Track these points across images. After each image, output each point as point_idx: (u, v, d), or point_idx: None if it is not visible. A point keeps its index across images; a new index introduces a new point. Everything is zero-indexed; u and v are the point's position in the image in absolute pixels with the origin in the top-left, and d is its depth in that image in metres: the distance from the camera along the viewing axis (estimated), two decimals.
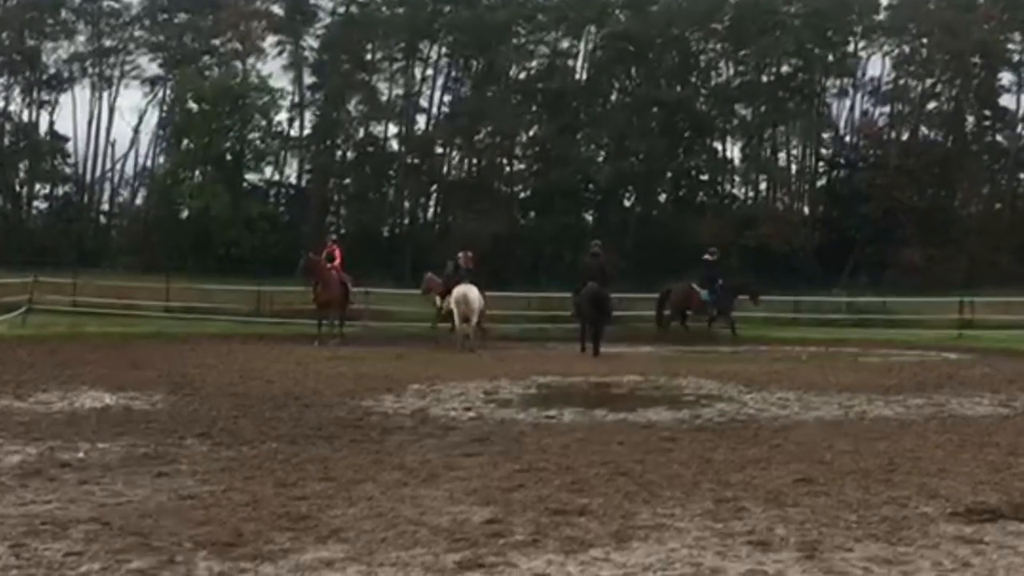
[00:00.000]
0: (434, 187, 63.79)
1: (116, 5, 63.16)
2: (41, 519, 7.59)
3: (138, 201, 64.19)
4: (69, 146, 63.03)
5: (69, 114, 63.42)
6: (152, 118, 63.22)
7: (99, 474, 9.38)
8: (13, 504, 8.12)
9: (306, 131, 63.43)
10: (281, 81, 62.38)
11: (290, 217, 61.50)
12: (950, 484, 9.18)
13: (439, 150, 63.43)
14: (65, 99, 63.26)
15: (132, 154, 63.98)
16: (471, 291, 27.49)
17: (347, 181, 63.09)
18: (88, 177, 63.56)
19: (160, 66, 63.30)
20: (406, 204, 63.30)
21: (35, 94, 62.61)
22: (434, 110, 63.79)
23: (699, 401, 15.63)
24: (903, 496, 8.66)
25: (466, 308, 27.22)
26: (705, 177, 62.46)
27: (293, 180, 64.19)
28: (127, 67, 63.54)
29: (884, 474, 9.67)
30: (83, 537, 7.10)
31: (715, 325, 33.41)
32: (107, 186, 64.93)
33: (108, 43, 63.26)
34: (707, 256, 34.27)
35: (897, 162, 57.67)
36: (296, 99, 63.17)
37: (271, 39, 63.24)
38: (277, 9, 63.47)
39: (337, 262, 29.02)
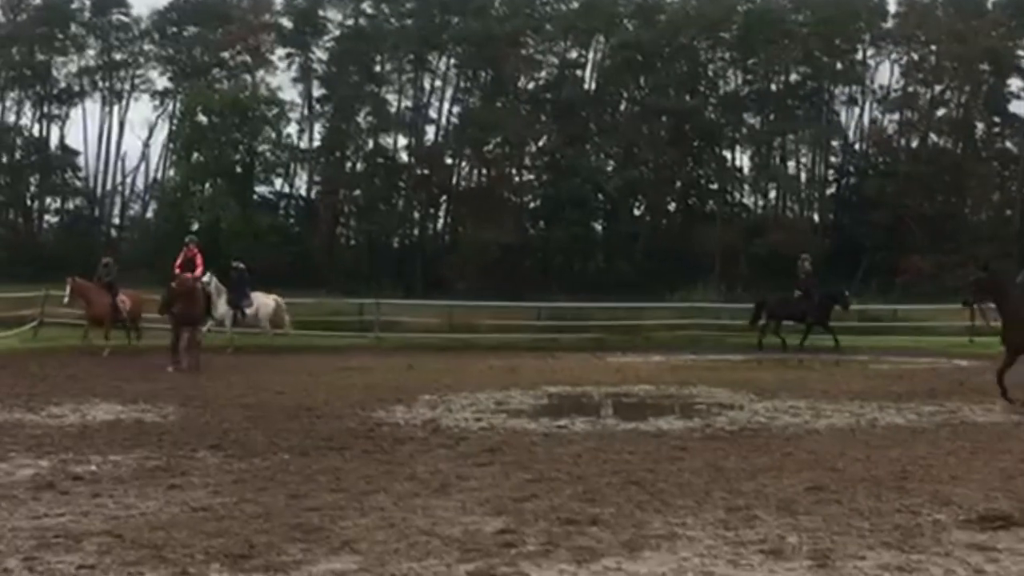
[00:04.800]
0: (444, 198, 63.87)
1: (125, 19, 63.53)
2: (54, 532, 7.60)
3: (148, 214, 64.32)
4: (80, 160, 63.41)
5: (79, 128, 63.74)
6: (162, 131, 63.50)
7: (111, 487, 9.39)
8: (26, 517, 8.14)
9: (315, 143, 63.67)
10: (290, 93, 62.73)
11: (300, 229, 61.61)
12: (962, 491, 9.16)
13: (448, 161, 63.49)
14: (75, 113, 63.73)
15: (142, 167, 64.26)
16: (280, 300, 29.98)
17: (357, 192, 63.17)
18: (99, 190, 63.86)
19: (170, 79, 63.59)
20: (416, 215, 63.38)
21: (45, 108, 62.95)
22: (443, 121, 63.97)
23: (710, 410, 15.61)
24: (915, 504, 8.65)
25: (277, 316, 29.77)
26: (714, 186, 62.43)
27: (303, 192, 64.38)
28: (137, 80, 63.93)
29: (896, 482, 9.66)
30: (96, 550, 7.11)
31: None
32: (117, 199, 65.18)
33: (118, 57, 63.58)
34: None
35: (907, 169, 57.61)
36: (305, 111, 63.44)
37: (280, 52, 63.49)
38: (286, 22, 63.67)
39: (199, 271, 25.25)
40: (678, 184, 61.60)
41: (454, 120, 63.65)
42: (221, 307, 28.35)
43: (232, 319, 28.68)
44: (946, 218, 56.18)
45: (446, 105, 63.93)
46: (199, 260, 25.15)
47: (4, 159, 62.43)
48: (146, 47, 63.93)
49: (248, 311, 28.88)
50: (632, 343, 32.41)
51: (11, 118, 62.75)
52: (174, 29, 63.86)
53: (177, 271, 24.69)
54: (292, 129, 62.41)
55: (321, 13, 63.46)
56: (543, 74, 63.93)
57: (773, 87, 61.83)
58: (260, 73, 63.28)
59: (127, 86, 63.88)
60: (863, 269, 54.18)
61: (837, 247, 55.91)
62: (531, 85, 63.86)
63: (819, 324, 30.81)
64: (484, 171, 63.86)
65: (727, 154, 62.61)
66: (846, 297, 32.21)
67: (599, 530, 7.73)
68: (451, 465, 10.59)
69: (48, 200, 64.23)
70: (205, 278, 27.11)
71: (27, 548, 7.14)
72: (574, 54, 63.97)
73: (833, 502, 8.73)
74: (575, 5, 63.02)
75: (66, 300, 26.57)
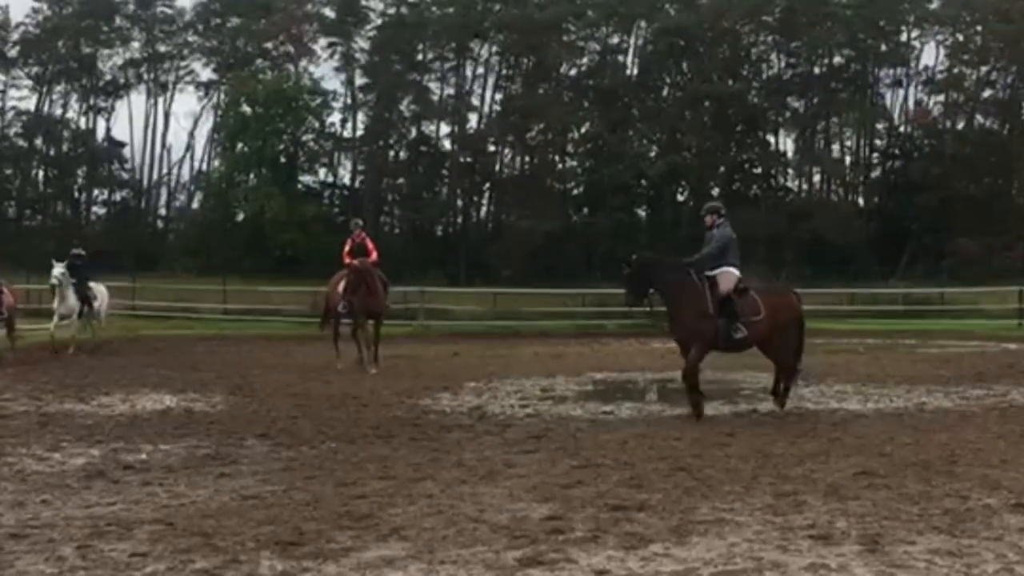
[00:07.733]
0: (487, 185, 63.91)
1: (170, 11, 64.06)
2: (106, 520, 7.69)
3: (194, 205, 64.88)
4: (126, 151, 64.06)
5: (125, 120, 64.82)
6: (207, 122, 63.96)
7: (162, 475, 9.49)
8: (78, 506, 8.24)
9: (359, 132, 63.82)
10: (333, 83, 62.93)
11: (344, 218, 61.78)
12: (1013, 475, 9.10)
13: (491, 148, 63.52)
14: (121, 105, 64.41)
15: (187, 158, 64.80)
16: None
17: (400, 181, 63.34)
18: (145, 182, 64.46)
19: (214, 71, 63.99)
20: (459, 203, 63.45)
21: (92, 101, 63.60)
22: (485, 108, 63.95)
23: (756, 395, 15.55)
24: (965, 488, 8.59)
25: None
26: (758, 170, 62.09)
27: (347, 181, 64.59)
28: (181, 72, 64.51)
29: (945, 466, 9.60)
30: (147, 538, 7.18)
31: None
32: (163, 190, 65.87)
33: (162, 49, 64.13)
34: None
35: (952, 151, 57.15)
36: (348, 100, 63.65)
37: (322, 41, 63.73)
38: (328, 11, 63.87)
39: (374, 256, 21.42)
40: (721, 169, 61.26)
41: (496, 107, 63.65)
42: (71, 300, 24.87)
43: (79, 312, 24.99)
44: (993, 200, 55.60)
45: (488, 92, 64.03)
46: (371, 245, 21.79)
47: (52, 151, 63.24)
48: (190, 39, 64.46)
49: (95, 303, 25.61)
50: None
51: (58, 111, 63.54)
52: (217, 20, 64.32)
53: (347, 260, 21.48)
54: (335, 118, 62.80)
55: (363, 2, 63.61)
56: (585, 60, 63.81)
57: (816, 70, 61.37)
58: (303, 63, 63.61)
59: (172, 78, 64.53)
60: (909, 252, 53.81)
61: (883, 231, 55.53)
62: (573, 71, 63.75)
63: None
64: (527, 158, 63.84)
65: (771, 138, 62.30)
66: None
67: (647, 516, 7.74)
68: (498, 452, 10.62)
69: (95, 192, 64.95)
70: (56, 271, 24.40)
71: (80, 536, 7.23)
72: (616, 40, 63.77)
73: (882, 487, 8.69)
74: None
75: None
